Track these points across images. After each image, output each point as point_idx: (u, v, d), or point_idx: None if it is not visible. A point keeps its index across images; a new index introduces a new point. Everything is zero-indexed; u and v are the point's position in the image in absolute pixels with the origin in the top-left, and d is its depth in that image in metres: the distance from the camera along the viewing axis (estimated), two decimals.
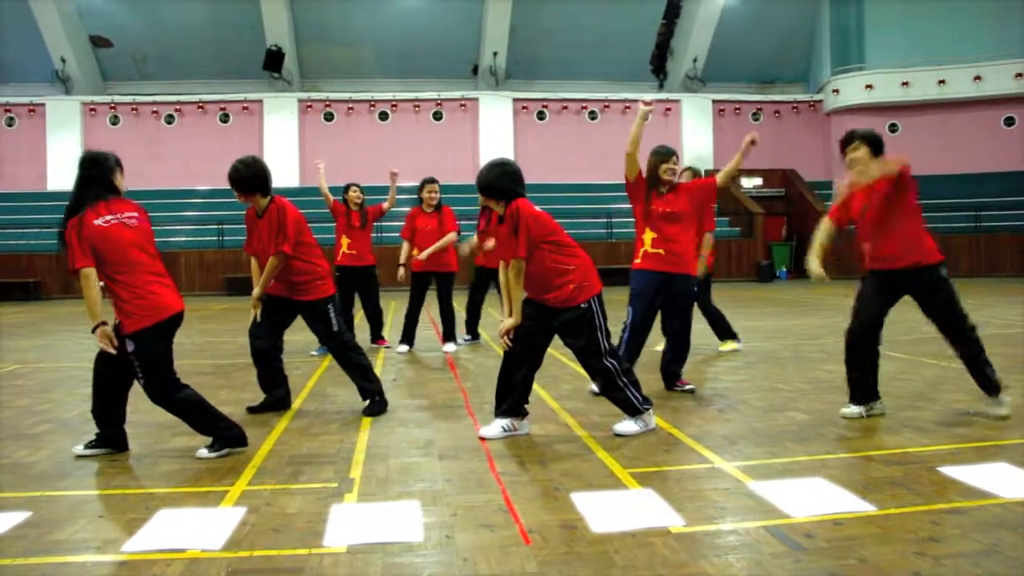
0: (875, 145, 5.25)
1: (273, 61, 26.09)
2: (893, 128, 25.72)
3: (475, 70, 27.86)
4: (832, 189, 26.63)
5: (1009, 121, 25.05)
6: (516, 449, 4.65)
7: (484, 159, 25.74)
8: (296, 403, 6.15)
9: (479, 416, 5.57)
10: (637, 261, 6.15)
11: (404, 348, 9.17)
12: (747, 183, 26.64)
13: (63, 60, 25.86)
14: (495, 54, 27.01)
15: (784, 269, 24.77)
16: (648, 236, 6.09)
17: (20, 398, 6.71)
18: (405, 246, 9.23)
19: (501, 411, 5.01)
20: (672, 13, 27.93)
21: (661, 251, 6.04)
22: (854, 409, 5.26)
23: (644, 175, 6.10)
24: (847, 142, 5.33)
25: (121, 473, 4.36)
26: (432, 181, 9.17)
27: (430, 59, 27.26)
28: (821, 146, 27.71)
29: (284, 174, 25.59)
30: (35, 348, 10.42)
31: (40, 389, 7.17)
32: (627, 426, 4.92)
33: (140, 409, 6.05)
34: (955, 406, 5.30)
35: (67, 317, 15.09)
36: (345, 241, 9.20)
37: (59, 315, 15.92)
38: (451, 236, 9.02)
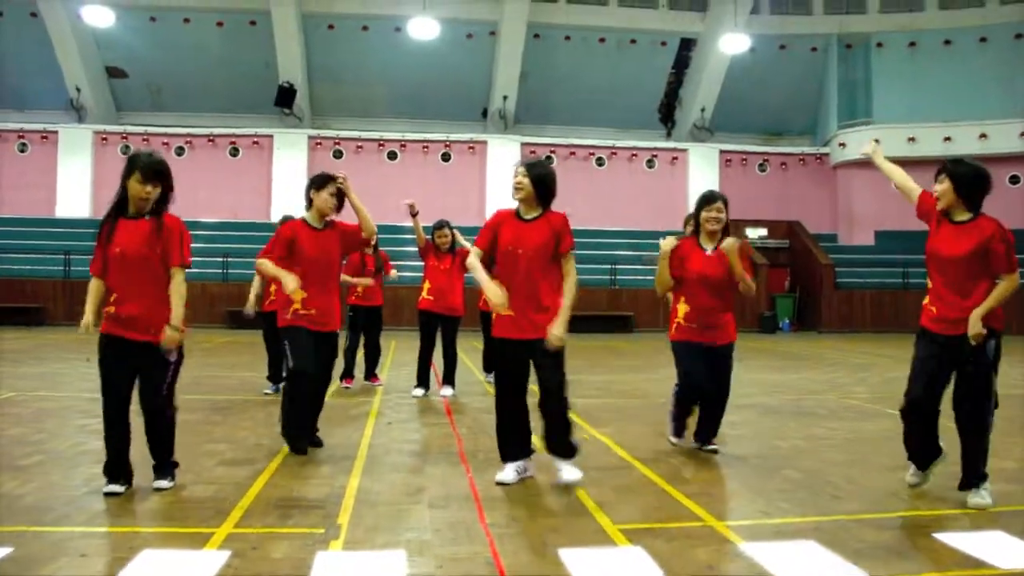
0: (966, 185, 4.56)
1: (285, 97, 26.29)
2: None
3: (484, 113, 28.06)
4: (837, 241, 26.73)
5: (1014, 179, 25.18)
6: (507, 499, 4.61)
7: (491, 202, 25.95)
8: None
9: (472, 463, 5.53)
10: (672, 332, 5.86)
11: (420, 392, 9.01)
12: (752, 234, 26.71)
13: (78, 89, 26.08)
14: (505, 98, 27.22)
15: (787, 321, 24.72)
16: (681, 308, 5.74)
17: (14, 427, 6.69)
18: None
19: (510, 454, 5.00)
20: (681, 63, 28.16)
21: (694, 325, 5.69)
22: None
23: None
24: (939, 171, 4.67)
25: (108, 509, 4.32)
26: (443, 226, 9.06)
27: (440, 101, 27.48)
28: (827, 199, 27.80)
29: (292, 209, 25.54)
30: (33, 376, 10.40)
31: (35, 418, 7.14)
32: (573, 472, 4.89)
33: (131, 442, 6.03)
34: (953, 469, 5.24)
35: (68, 345, 15.05)
36: (428, 284, 9.06)
37: (60, 342, 15.90)
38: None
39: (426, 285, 9.00)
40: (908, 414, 4.68)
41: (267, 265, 5.66)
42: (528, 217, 4.99)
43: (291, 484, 4.90)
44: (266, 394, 8.83)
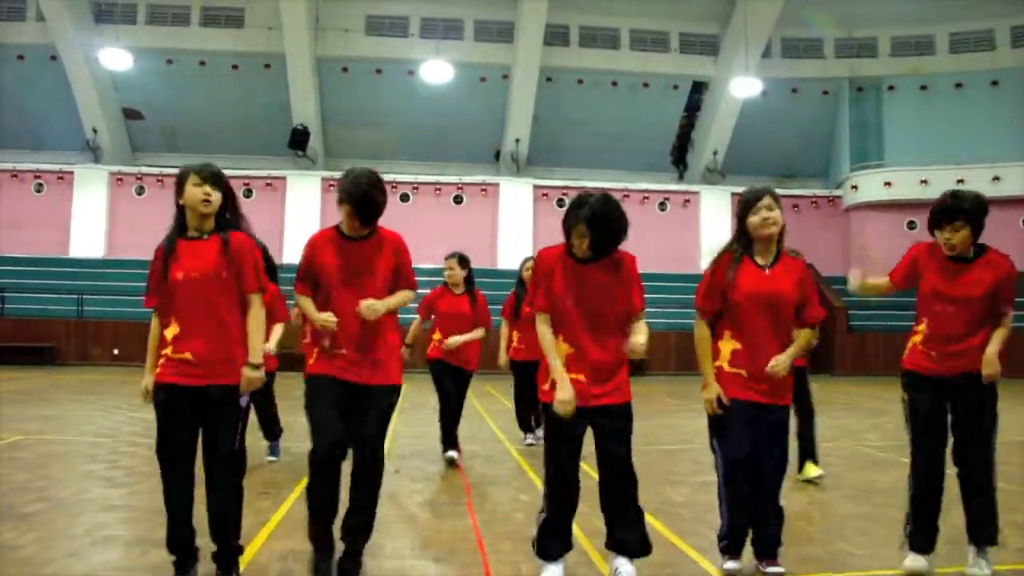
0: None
1: (298, 140, 26.52)
2: (912, 225, 25.72)
3: (497, 155, 28.21)
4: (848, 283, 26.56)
5: None
6: (514, 548, 4.52)
7: (503, 244, 26.01)
8: (295, 491, 6.03)
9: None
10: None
11: (453, 454, 7.48)
12: None
13: (95, 130, 26.39)
14: (517, 141, 27.36)
15: None
16: (727, 347, 4.19)
17: (17, 472, 6.63)
18: (416, 323, 7.79)
19: (558, 550, 4.06)
20: (693, 106, 28.31)
21: (743, 371, 4.14)
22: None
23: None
24: (951, 216, 4.21)
25: (107, 562, 4.25)
26: (452, 256, 7.62)
27: (453, 143, 27.66)
28: (839, 241, 27.71)
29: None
30: (40, 418, 10.33)
31: (39, 463, 7.08)
32: (631, 570, 4.00)
33: (138, 491, 5.99)
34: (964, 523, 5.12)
35: (78, 386, 15.06)
36: (516, 335, 8.44)
37: (70, 383, 15.89)
38: (477, 333, 7.50)
39: (435, 335, 7.57)
40: (922, 482, 4.27)
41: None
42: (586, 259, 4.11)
43: (295, 535, 4.81)
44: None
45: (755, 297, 4.09)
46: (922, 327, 4.39)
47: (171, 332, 3.84)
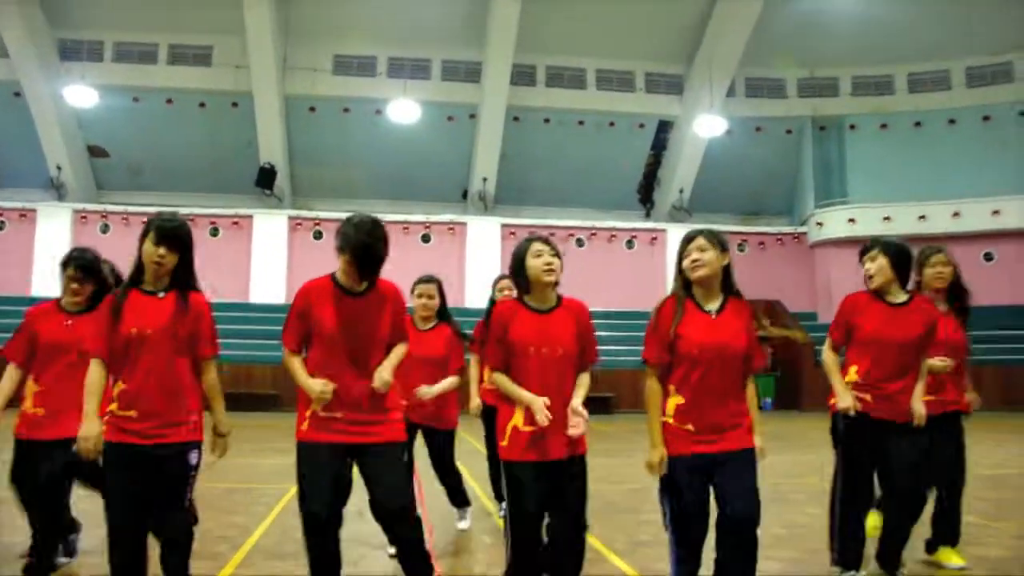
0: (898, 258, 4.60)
1: (265, 178, 26.44)
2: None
3: (465, 194, 28.28)
4: (816, 320, 26.77)
5: (988, 257, 25.42)
6: None
7: (471, 282, 25.96)
8: (255, 535, 5.91)
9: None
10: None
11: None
12: None
13: (59, 168, 26.16)
14: (485, 179, 27.45)
15: (768, 400, 24.60)
16: (672, 401, 3.87)
17: None
18: None
19: None
20: (659, 145, 28.60)
21: (690, 426, 3.85)
22: None
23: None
24: (867, 250, 4.75)
25: None
26: (428, 281, 6.10)
27: (421, 182, 27.70)
28: (806, 278, 27.95)
29: (271, 290, 25.68)
30: None
31: None
32: None
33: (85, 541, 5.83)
34: (932, 557, 5.11)
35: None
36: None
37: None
38: (452, 381, 5.77)
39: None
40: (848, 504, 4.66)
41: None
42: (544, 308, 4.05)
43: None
44: None
45: (702, 348, 3.78)
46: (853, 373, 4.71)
47: (118, 388, 3.77)
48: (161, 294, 3.86)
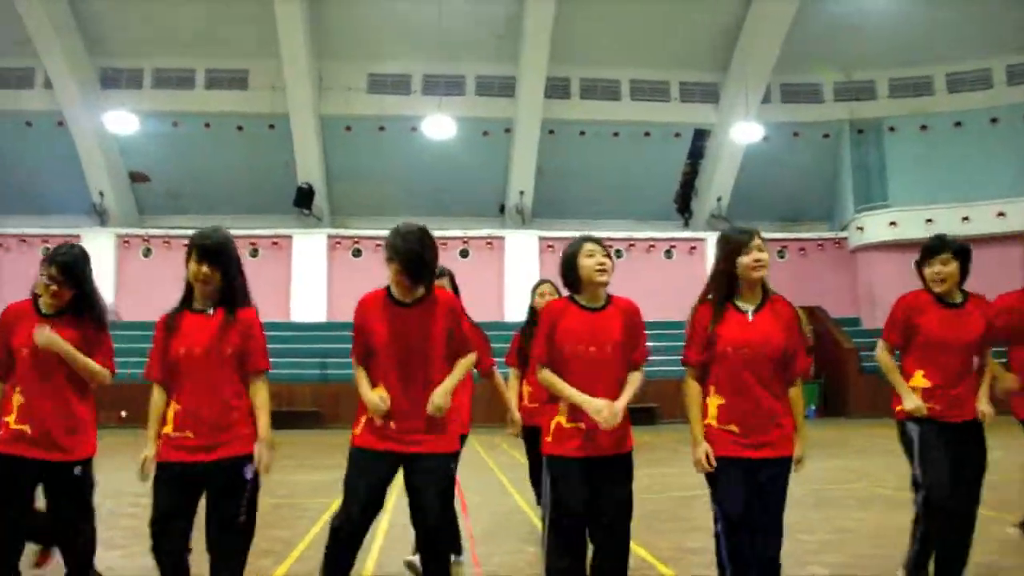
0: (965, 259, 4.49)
1: (304, 198, 26.69)
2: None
3: (502, 209, 28.30)
4: (860, 325, 26.39)
5: None
6: None
7: (509, 297, 25.96)
8: (298, 549, 5.91)
9: None
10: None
11: None
12: None
13: (101, 194, 26.61)
14: (522, 193, 27.46)
15: (813, 407, 24.29)
16: (714, 402, 3.87)
17: None
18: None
19: None
20: (696, 153, 28.43)
21: (734, 427, 3.81)
22: None
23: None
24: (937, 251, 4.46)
25: None
26: (441, 275, 5.17)
27: (457, 198, 27.77)
28: (847, 283, 27.61)
29: (312, 309, 25.91)
30: None
31: None
32: None
33: (132, 552, 5.87)
34: (989, 558, 4.98)
35: None
36: (528, 389, 6.08)
37: None
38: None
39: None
40: (935, 510, 4.26)
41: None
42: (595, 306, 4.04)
43: None
44: None
45: (738, 347, 3.77)
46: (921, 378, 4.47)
47: (172, 409, 3.76)
48: (210, 311, 3.82)
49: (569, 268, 4.02)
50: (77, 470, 4.10)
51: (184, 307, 3.87)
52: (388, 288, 4.04)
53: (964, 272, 4.46)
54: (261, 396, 3.85)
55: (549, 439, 3.93)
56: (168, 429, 3.74)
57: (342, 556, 3.88)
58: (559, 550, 3.84)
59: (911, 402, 4.32)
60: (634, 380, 3.96)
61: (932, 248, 4.44)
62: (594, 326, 3.94)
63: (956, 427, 4.31)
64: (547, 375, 3.96)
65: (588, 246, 4.02)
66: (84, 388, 4.21)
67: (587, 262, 3.98)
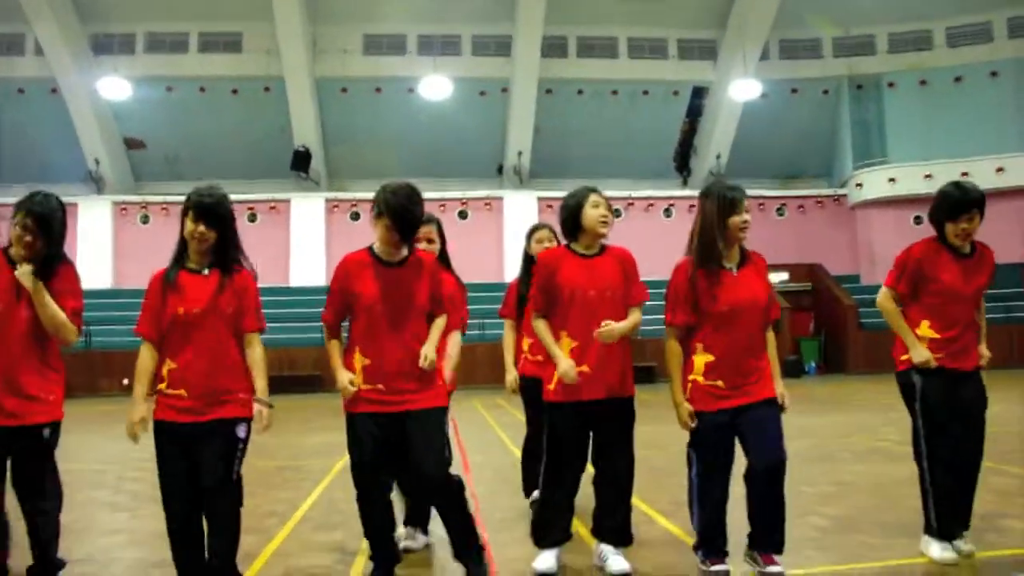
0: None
1: (301, 161, 26.56)
2: (918, 220, 25.49)
3: (500, 169, 28.19)
4: (859, 282, 26.38)
5: None
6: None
7: (509, 258, 25.92)
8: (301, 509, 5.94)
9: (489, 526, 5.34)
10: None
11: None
12: (774, 278, 26.46)
13: (97, 161, 26.49)
14: (520, 154, 27.34)
15: (813, 364, 24.38)
16: (701, 360, 4.00)
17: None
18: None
19: (553, 539, 4.17)
20: (694, 111, 28.28)
21: (720, 383, 3.96)
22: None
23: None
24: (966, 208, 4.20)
25: None
26: (426, 221, 4.75)
27: (455, 159, 27.64)
28: (846, 240, 27.59)
29: (311, 273, 25.86)
30: None
31: None
32: (621, 563, 4.07)
33: (141, 515, 5.91)
34: (988, 508, 5.01)
35: (85, 417, 15.00)
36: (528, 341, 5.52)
37: (77, 414, 15.82)
38: (452, 336, 4.60)
39: (525, 344, 5.54)
40: (941, 464, 4.18)
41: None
42: (591, 253, 4.22)
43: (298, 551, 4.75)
44: None
45: (731, 305, 3.90)
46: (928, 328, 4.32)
47: (167, 367, 3.74)
48: (205, 271, 3.80)
49: (572, 217, 4.17)
50: (46, 432, 3.89)
51: (179, 266, 3.82)
52: (370, 248, 4.04)
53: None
54: (257, 355, 3.85)
55: (551, 387, 4.11)
56: (162, 386, 3.74)
57: (372, 496, 3.92)
58: (557, 476, 4.12)
59: (920, 355, 4.21)
60: (633, 315, 4.13)
61: (960, 205, 4.20)
62: (592, 271, 4.12)
63: (959, 377, 4.23)
64: (540, 326, 4.15)
65: (594, 197, 4.19)
66: (51, 348, 3.99)
67: (592, 212, 4.15)
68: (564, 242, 4.32)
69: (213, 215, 3.75)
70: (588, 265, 4.13)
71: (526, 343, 5.50)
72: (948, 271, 4.24)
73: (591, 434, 4.16)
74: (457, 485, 4.00)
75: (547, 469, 4.16)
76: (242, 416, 3.77)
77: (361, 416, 3.88)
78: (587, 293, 4.06)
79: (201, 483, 3.70)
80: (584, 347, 4.04)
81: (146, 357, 3.79)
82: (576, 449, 4.12)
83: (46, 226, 3.81)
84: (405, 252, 4.02)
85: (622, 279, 4.15)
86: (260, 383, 3.83)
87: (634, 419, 4.18)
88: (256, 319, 3.89)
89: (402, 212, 3.90)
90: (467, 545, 3.95)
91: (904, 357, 4.34)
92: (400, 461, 3.92)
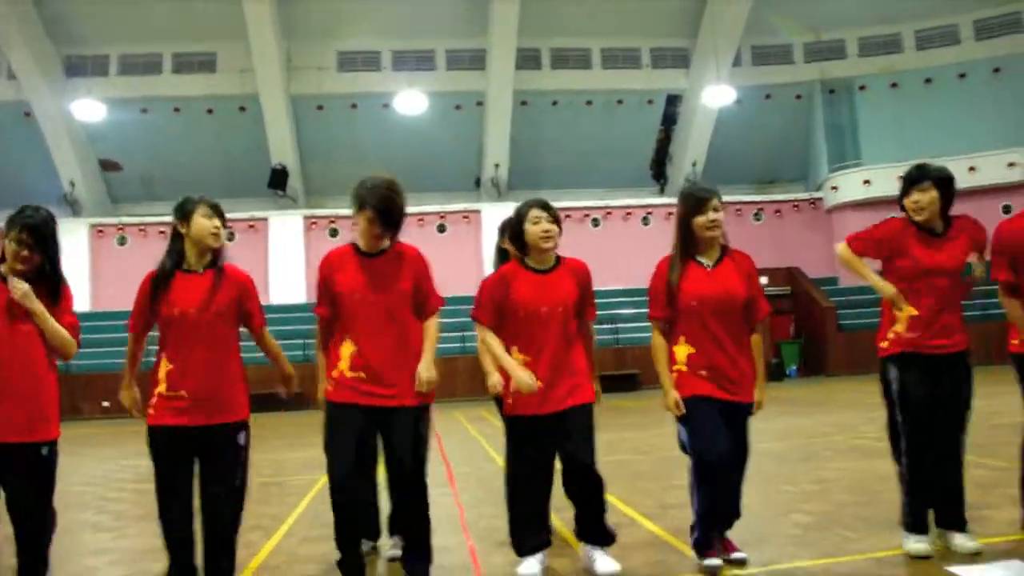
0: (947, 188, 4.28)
1: (278, 179, 26.54)
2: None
3: (477, 182, 28.27)
4: (837, 284, 26.58)
5: (1007, 209, 25.06)
6: None
7: (488, 270, 25.80)
8: (287, 523, 5.95)
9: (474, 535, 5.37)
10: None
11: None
12: None
13: (72, 184, 26.35)
14: (496, 166, 27.42)
15: (794, 367, 24.53)
16: (683, 351, 4.12)
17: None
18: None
19: (533, 546, 4.17)
20: (669, 119, 28.47)
21: (703, 372, 4.07)
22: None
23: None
24: (916, 181, 4.25)
25: None
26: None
27: (433, 173, 27.66)
28: (823, 243, 27.76)
29: (290, 290, 25.80)
30: None
31: None
32: (609, 564, 4.10)
33: (126, 534, 5.90)
34: (968, 499, 5.08)
35: (67, 439, 14.87)
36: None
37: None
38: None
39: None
40: (920, 457, 4.13)
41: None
42: (544, 268, 4.25)
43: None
44: None
45: (702, 299, 4.04)
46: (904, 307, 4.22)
47: (164, 368, 3.73)
48: (201, 270, 3.85)
49: (515, 233, 4.22)
50: (44, 451, 3.88)
51: (174, 268, 3.84)
52: (353, 243, 4.07)
53: (947, 200, 4.27)
54: (272, 343, 4.07)
55: (510, 401, 4.13)
56: (161, 388, 3.73)
57: (346, 505, 3.84)
58: (518, 502, 4.15)
59: (886, 289, 4.15)
60: (588, 333, 4.34)
61: (910, 178, 4.28)
62: (544, 287, 4.15)
63: (939, 363, 4.17)
64: (490, 338, 4.17)
65: (534, 212, 4.20)
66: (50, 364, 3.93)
67: (533, 229, 4.19)
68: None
69: (223, 213, 3.91)
70: (540, 281, 4.17)
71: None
72: (915, 247, 4.20)
73: (554, 442, 4.13)
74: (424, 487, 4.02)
75: (511, 482, 4.19)
76: (242, 420, 3.81)
77: (344, 405, 3.88)
78: (539, 309, 4.10)
79: (204, 486, 3.72)
80: (535, 361, 4.07)
81: (131, 345, 3.97)
82: (539, 460, 4.14)
83: (42, 239, 3.75)
84: (387, 244, 4.03)
85: (576, 294, 4.20)
86: (283, 365, 4.14)
87: (594, 421, 4.17)
88: (261, 315, 4.07)
89: (384, 201, 3.92)
90: (419, 546, 3.98)
91: (883, 343, 4.29)
92: (378, 455, 3.97)
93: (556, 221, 4.20)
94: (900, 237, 4.27)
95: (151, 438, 3.75)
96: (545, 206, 4.21)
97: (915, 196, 4.23)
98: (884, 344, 4.30)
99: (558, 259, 4.26)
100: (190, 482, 3.73)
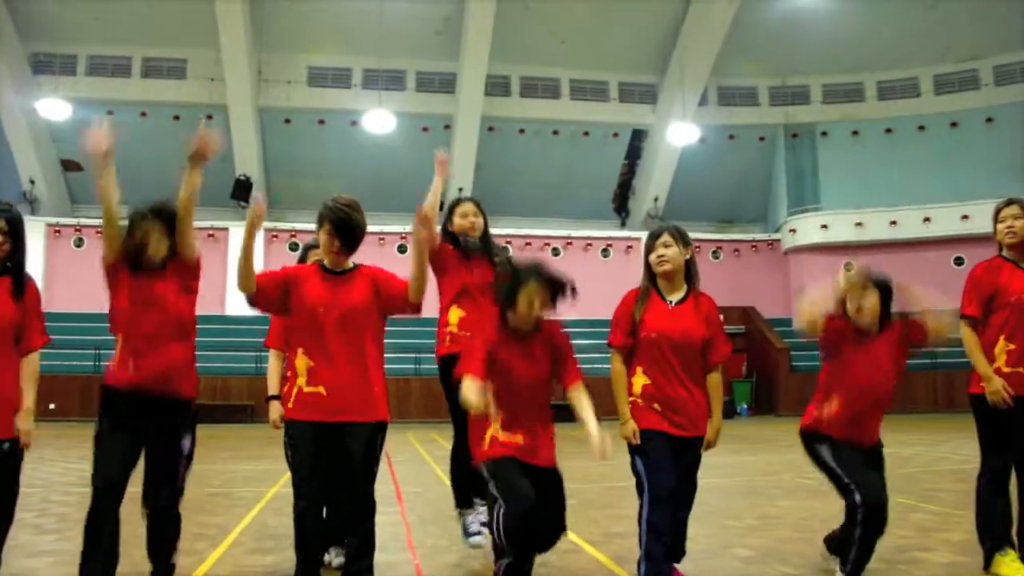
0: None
1: (241, 190, 26.40)
2: (848, 266, 26.17)
3: (441, 206, 28.20)
4: (790, 325, 26.94)
5: (958, 261, 25.69)
6: None
7: None
8: (234, 532, 5.92)
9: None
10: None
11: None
12: None
13: (32, 181, 26.02)
14: (460, 190, 27.42)
15: (745, 406, 24.79)
16: (639, 381, 4.20)
17: None
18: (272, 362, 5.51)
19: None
20: (634, 154, 28.81)
21: (656, 406, 4.15)
22: None
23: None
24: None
25: None
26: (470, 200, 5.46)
27: (397, 193, 27.56)
28: (780, 284, 28.20)
29: (245, 302, 25.55)
30: None
31: None
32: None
33: (68, 536, 5.84)
34: (906, 542, 5.21)
35: None
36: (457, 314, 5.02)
37: None
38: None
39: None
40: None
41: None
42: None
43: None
44: None
45: (660, 334, 4.14)
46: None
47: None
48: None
49: (507, 296, 4.09)
50: (5, 446, 3.91)
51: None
52: (320, 261, 4.15)
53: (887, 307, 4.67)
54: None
55: (486, 447, 3.94)
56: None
57: (304, 525, 3.84)
58: (515, 536, 3.81)
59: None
60: (572, 394, 4.25)
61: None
62: (525, 352, 4.09)
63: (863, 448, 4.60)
64: (471, 384, 3.80)
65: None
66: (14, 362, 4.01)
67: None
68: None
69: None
70: (521, 347, 4.03)
71: (457, 314, 5.00)
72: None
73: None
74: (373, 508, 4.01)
75: (506, 524, 3.78)
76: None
77: (304, 424, 3.88)
78: (519, 380, 3.97)
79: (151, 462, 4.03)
80: (512, 420, 3.96)
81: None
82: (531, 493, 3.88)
83: (15, 232, 4.03)
84: (350, 265, 4.10)
85: (549, 364, 4.08)
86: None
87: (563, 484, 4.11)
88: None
89: (343, 217, 3.96)
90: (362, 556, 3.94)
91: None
92: (332, 472, 3.92)
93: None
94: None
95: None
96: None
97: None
98: (806, 423, 4.86)
99: (539, 324, 4.10)
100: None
